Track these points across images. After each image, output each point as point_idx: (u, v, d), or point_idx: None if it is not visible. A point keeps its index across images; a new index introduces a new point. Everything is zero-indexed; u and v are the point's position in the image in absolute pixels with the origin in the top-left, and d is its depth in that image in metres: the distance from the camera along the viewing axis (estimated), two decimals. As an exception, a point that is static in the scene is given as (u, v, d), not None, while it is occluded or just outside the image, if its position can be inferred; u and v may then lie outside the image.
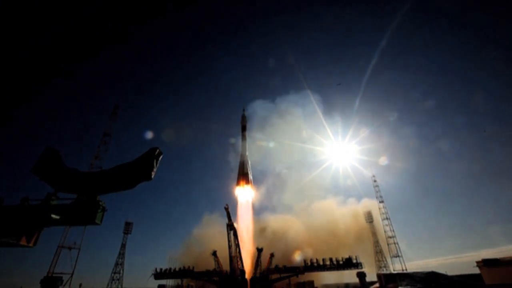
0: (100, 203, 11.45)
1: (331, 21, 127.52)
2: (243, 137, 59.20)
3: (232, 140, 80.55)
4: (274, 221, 58.67)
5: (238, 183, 54.86)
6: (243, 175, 54.69)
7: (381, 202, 55.00)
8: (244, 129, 60.09)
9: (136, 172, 11.30)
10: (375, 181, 57.51)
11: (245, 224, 51.65)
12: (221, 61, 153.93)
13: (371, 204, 58.55)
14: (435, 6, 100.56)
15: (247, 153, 57.30)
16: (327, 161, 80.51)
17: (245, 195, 53.90)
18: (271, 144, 65.99)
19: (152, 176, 11.51)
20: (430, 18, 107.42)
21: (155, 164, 11.33)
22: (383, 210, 54.25)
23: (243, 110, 63.45)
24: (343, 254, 43.15)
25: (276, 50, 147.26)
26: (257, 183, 60.05)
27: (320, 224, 56.74)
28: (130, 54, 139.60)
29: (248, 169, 55.27)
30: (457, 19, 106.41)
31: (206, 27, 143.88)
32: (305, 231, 55.94)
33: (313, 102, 77.30)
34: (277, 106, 73.70)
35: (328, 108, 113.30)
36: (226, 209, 46.96)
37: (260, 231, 55.21)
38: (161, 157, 11.68)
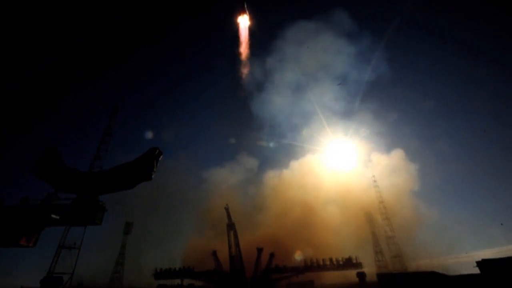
0: (100, 203, 11.48)
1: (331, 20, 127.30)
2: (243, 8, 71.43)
3: (232, 140, 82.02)
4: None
5: (238, 15, 69.74)
6: (241, 9, 69.21)
7: (381, 202, 55.01)
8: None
9: (136, 172, 11.32)
10: (375, 181, 57.54)
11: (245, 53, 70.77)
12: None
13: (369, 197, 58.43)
14: (435, 6, 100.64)
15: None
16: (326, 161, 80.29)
17: (244, 23, 70.05)
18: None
19: (153, 176, 11.51)
20: (430, 18, 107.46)
21: (155, 164, 11.32)
22: (383, 210, 54.27)
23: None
24: (343, 254, 43.15)
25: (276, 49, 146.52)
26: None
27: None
28: (130, 55, 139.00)
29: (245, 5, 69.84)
30: (456, 19, 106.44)
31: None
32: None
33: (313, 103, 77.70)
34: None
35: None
36: (226, 209, 47.05)
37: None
38: (161, 157, 11.66)
